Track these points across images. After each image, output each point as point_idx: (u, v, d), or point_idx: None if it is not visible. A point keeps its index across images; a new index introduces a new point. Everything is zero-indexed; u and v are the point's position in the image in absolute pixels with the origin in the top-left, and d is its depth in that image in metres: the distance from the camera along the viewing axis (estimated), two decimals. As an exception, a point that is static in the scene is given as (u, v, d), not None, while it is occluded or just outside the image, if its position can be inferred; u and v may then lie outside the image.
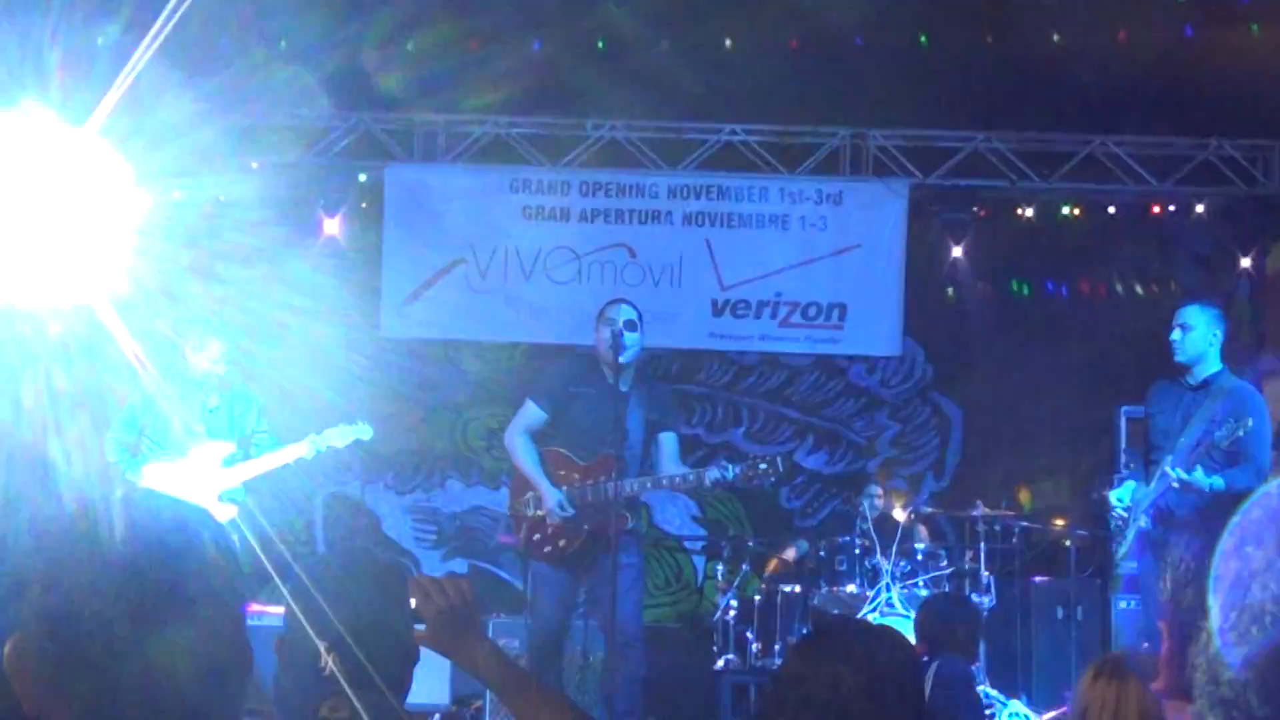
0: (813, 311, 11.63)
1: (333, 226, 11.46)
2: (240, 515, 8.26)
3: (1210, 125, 11.38)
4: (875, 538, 9.91)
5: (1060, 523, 11.23)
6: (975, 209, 11.90)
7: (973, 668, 8.00)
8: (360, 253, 11.51)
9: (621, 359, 7.72)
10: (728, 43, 11.68)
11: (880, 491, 10.91)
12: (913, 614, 8.27)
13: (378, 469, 11.85)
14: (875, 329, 11.68)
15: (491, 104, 11.44)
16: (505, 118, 11.54)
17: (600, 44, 11.71)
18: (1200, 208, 11.87)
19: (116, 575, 1.71)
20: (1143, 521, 7.85)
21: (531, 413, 8.02)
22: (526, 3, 11.21)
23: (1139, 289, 12.93)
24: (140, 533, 1.76)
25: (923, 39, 11.55)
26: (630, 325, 7.84)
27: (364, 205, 11.64)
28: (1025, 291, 13.10)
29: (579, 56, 11.51)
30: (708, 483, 7.71)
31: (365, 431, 8.57)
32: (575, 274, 11.52)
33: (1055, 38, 11.34)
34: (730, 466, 7.69)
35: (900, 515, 10.61)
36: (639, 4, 11.12)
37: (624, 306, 7.99)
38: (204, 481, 8.04)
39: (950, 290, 12.42)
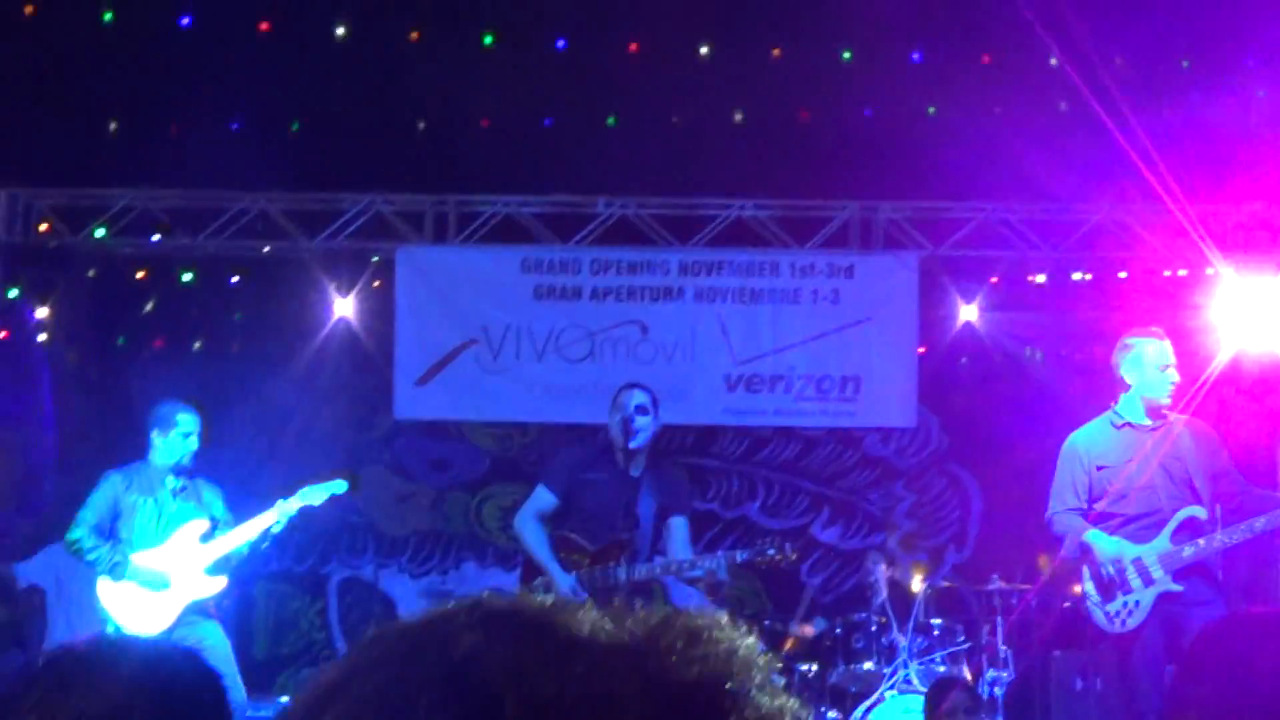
0: (826, 385, 11.60)
1: (345, 308, 11.49)
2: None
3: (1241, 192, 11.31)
4: (891, 614, 9.84)
5: (1078, 590, 11.14)
6: (987, 277, 11.88)
7: None
8: (372, 334, 11.54)
9: (632, 445, 7.79)
10: (738, 117, 11.74)
11: (885, 565, 10.78)
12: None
13: (392, 552, 11.83)
14: (889, 401, 11.64)
15: (502, 183, 11.49)
16: (516, 197, 11.57)
17: (610, 120, 11.78)
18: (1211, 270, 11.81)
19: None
20: (1167, 583, 7.33)
21: (542, 497, 8.06)
22: (537, 81, 11.28)
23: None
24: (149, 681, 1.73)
25: (930, 110, 11.61)
26: (641, 410, 7.88)
27: (376, 286, 11.68)
28: (1038, 358, 13.06)
29: (589, 133, 11.58)
30: (718, 572, 7.65)
31: (339, 486, 8.49)
32: (588, 352, 11.50)
33: (1062, 105, 11.41)
34: (738, 553, 7.72)
35: (917, 589, 10.52)
36: (649, 80, 11.18)
37: (636, 391, 8.02)
38: (186, 559, 8.08)
39: (963, 360, 12.40)
